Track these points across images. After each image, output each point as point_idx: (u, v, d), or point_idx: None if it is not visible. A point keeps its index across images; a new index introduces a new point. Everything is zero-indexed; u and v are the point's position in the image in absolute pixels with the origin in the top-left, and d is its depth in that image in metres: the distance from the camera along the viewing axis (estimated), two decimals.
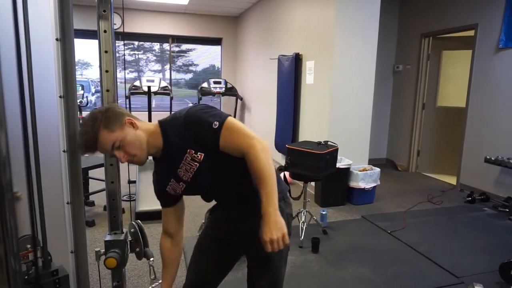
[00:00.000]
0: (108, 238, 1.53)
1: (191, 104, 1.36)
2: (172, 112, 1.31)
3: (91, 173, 3.81)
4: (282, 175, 4.65)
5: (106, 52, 1.42)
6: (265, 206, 1.16)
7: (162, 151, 1.36)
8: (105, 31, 1.40)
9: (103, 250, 1.52)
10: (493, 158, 4.13)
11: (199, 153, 1.30)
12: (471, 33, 4.69)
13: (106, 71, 1.44)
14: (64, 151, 1.42)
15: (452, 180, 5.09)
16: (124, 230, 1.61)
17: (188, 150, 1.30)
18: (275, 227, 1.16)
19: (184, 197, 1.55)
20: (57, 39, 1.32)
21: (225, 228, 1.52)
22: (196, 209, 3.85)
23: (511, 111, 4.17)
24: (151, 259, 1.53)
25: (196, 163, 1.31)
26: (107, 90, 1.46)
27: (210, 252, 1.56)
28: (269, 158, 1.23)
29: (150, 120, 6.28)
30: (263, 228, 1.15)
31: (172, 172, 1.39)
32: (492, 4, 4.35)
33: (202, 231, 1.63)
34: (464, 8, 4.74)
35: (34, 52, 1.23)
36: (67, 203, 1.47)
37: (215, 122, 1.24)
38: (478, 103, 4.60)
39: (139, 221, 1.51)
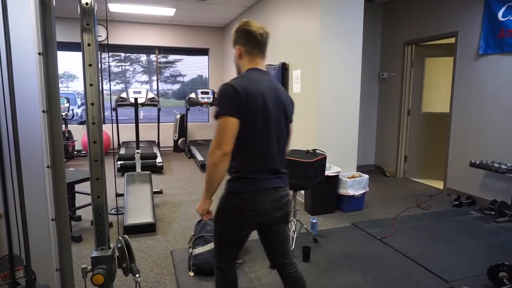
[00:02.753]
0: (94, 254, 1.49)
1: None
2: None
3: (77, 187, 3.74)
4: None
5: (90, 65, 1.41)
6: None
7: None
8: (89, 45, 1.39)
9: (90, 267, 1.49)
10: (477, 162, 4.21)
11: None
12: (452, 40, 4.82)
13: (91, 85, 1.43)
14: (48, 167, 1.39)
15: (439, 184, 5.16)
16: (112, 245, 1.57)
17: None
18: (198, 207, 1.73)
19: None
20: (39, 53, 1.30)
21: None
22: (185, 222, 3.81)
23: (493, 115, 4.28)
24: (137, 275, 1.50)
25: None
26: (92, 104, 1.45)
27: None
28: (210, 162, 1.58)
29: (137, 133, 6.23)
30: None
31: None
32: (471, 12, 4.48)
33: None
34: (444, 17, 4.87)
35: (16, 67, 1.21)
36: (52, 219, 1.44)
37: (216, 112, 1.58)
38: (462, 109, 4.70)
39: (126, 236, 1.48)
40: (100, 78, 1.49)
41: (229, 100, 1.55)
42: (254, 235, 3.43)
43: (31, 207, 1.32)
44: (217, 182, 1.60)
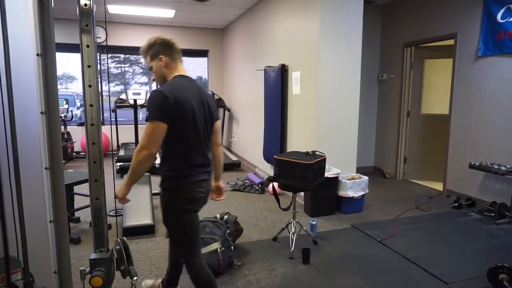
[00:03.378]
0: (93, 256, 1.49)
1: None
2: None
3: (76, 188, 3.73)
4: (270, 186, 4.64)
5: (89, 66, 1.40)
6: None
7: None
8: (88, 46, 1.39)
9: (88, 269, 1.48)
10: (477, 164, 4.21)
11: None
12: (451, 42, 4.82)
13: (89, 86, 1.42)
14: (46, 168, 1.38)
15: (438, 186, 5.16)
16: (110, 247, 1.57)
17: None
18: (118, 191, 1.87)
19: None
20: (38, 54, 1.30)
21: None
22: None
23: (492, 117, 4.28)
24: (135, 278, 1.49)
25: None
26: (91, 105, 1.44)
27: None
28: (136, 160, 1.74)
29: (136, 134, 6.23)
30: None
31: None
32: (470, 14, 4.48)
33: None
34: (443, 18, 4.88)
35: (14, 68, 1.21)
36: (50, 221, 1.43)
37: (146, 116, 1.74)
38: (461, 110, 4.70)
39: (124, 238, 1.48)
40: (99, 79, 1.48)
41: (159, 106, 1.72)
42: (253, 236, 3.42)
43: (30, 209, 1.32)
44: (139, 176, 1.81)
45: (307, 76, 4.45)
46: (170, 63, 1.92)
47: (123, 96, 6.48)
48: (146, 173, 4.43)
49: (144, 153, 1.72)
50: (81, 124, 7.60)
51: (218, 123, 2.09)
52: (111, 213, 3.98)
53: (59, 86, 8.02)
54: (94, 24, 1.39)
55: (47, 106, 1.34)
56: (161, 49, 1.92)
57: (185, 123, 1.80)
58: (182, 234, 1.95)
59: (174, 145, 1.84)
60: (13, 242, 1.26)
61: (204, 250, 2.73)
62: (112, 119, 6.81)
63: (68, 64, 7.69)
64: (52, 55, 1.32)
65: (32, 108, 1.32)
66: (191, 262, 1.96)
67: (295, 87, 4.75)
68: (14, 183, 1.22)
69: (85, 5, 1.36)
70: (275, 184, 3.65)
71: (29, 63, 1.29)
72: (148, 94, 6.53)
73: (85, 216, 3.89)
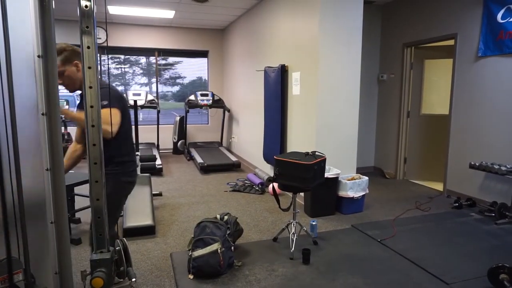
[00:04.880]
0: (94, 257, 1.49)
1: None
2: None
3: (77, 189, 3.73)
4: (270, 186, 4.64)
5: (89, 68, 1.41)
6: None
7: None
8: (88, 47, 1.39)
9: (89, 270, 1.48)
10: (477, 164, 4.21)
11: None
12: (451, 42, 4.83)
13: (90, 87, 1.43)
14: (47, 170, 1.39)
15: (439, 186, 5.16)
16: (111, 248, 1.57)
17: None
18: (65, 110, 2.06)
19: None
20: (39, 56, 1.30)
21: None
22: (185, 224, 3.80)
23: (493, 117, 4.28)
24: (133, 279, 1.49)
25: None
26: (91, 106, 1.44)
27: None
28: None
29: (137, 134, 6.24)
30: None
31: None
32: (470, 15, 4.49)
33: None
34: (443, 18, 4.88)
35: (15, 70, 1.21)
36: (51, 222, 1.43)
37: (105, 103, 2.01)
38: (461, 110, 4.70)
39: (124, 239, 1.48)
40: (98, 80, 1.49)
41: (121, 99, 2.19)
42: (253, 236, 3.42)
43: (31, 210, 1.32)
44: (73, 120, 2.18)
45: (307, 76, 4.46)
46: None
47: None
48: (146, 174, 4.43)
49: (109, 132, 2.01)
50: None
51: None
52: None
53: (59, 87, 8.02)
54: (94, 25, 1.39)
55: (48, 107, 1.34)
56: (73, 55, 2.09)
57: (128, 117, 2.27)
58: (115, 213, 2.28)
59: (123, 136, 2.24)
60: (15, 243, 1.26)
61: (204, 250, 2.73)
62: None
63: None
64: (53, 56, 1.32)
65: (33, 110, 1.32)
66: (117, 236, 2.23)
67: (295, 87, 4.76)
68: (15, 184, 1.22)
69: (86, 6, 1.36)
70: (275, 185, 3.66)
71: (30, 64, 1.29)
72: (148, 95, 6.55)
73: (86, 217, 3.90)
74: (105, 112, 1.99)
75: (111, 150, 2.10)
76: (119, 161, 2.19)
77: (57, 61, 1.98)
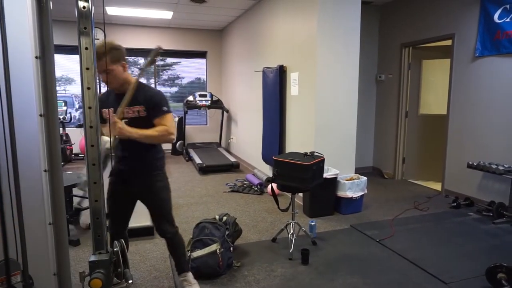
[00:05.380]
0: (92, 258, 1.49)
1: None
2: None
3: (76, 190, 3.72)
4: (269, 187, 4.64)
5: (87, 69, 1.41)
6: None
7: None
8: (86, 48, 1.39)
9: (87, 271, 1.48)
10: (475, 164, 4.22)
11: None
12: (448, 42, 4.84)
13: (88, 88, 1.42)
14: (45, 171, 1.39)
15: (437, 186, 5.17)
16: (109, 249, 1.57)
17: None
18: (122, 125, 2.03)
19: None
20: (36, 57, 1.30)
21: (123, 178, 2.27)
22: (184, 225, 3.80)
23: (490, 117, 4.29)
24: (130, 281, 1.49)
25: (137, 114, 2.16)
26: (89, 107, 1.44)
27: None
28: (160, 134, 2.13)
29: None
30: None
31: (116, 106, 2.10)
32: (468, 15, 4.50)
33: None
34: (441, 19, 4.90)
35: (13, 71, 1.21)
36: (49, 224, 1.43)
37: (164, 109, 2.15)
38: (459, 110, 4.71)
39: (122, 240, 1.48)
40: (98, 81, 1.49)
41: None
42: (252, 237, 3.41)
43: (29, 211, 1.32)
44: (147, 142, 2.16)
45: (305, 77, 4.46)
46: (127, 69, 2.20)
47: None
48: None
49: (171, 137, 2.13)
50: (79, 126, 7.59)
51: None
52: None
53: (57, 88, 8.03)
54: (92, 26, 1.39)
55: (46, 108, 1.34)
56: (122, 55, 2.14)
57: None
58: (170, 206, 2.35)
59: None
60: (13, 244, 1.26)
61: (203, 251, 2.73)
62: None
63: (66, 66, 7.68)
64: (51, 57, 1.32)
65: (31, 111, 1.32)
66: (177, 229, 2.39)
67: (293, 88, 4.76)
68: (13, 185, 1.22)
69: (84, 7, 1.36)
70: (274, 185, 3.66)
71: (27, 65, 1.29)
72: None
73: (85, 217, 3.88)
74: (169, 118, 2.14)
75: (153, 151, 2.23)
76: (160, 157, 2.29)
77: (106, 58, 1.99)
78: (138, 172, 2.23)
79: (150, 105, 2.12)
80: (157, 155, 2.25)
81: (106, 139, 2.00)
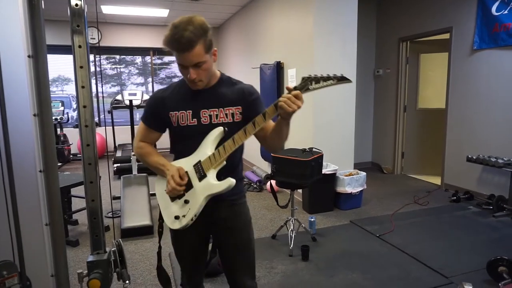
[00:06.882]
0: (90, 258, 1.48)
1: None
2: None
3: (74, 191, 3.71)
4: (268, 184, 4.63)
5: (81, 67, 1.39)
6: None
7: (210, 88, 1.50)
8: (79, 46, 1.37)
9: (86, 272, 1.47)
10: (474, 157, 4.21)
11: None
12: (446, 36, 4.82)
13: (82, 87, 1.41)
14: (40, 171, 1.37)
15: (436, 180, 5.17)
16: (108, 249, 1.56)
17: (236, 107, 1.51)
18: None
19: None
20: (29, 56, 1.28)
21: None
22: None
23: (489, 110, 4.28)
24: (127, 281, 1.48)
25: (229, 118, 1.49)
26: (84, 106, 1.43)
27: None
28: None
29: (132, 134, 6.20)
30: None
31: (198, 107, 1.46)
32: (465, 8, 4.48)
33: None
34: (438, 12, 4.87)
35: (5, 70, 1.19)
36: (46, 224, 1.42)
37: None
38: (457, 104, 4.70)
39: (120, 240, 1.47)
40: (95, 80, 1.47)
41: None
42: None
43: (25, 212, 1.30)
44: None
45: (302, 73, 4.44)
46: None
47: (119, 97, 6.44)
48: (143, 174, 4.41)
49: None
50: (77, 126, 7.56)
51: None
52: (109, 215, 3.97)
53: (54, 88, 8.00)
54: (85, 24, 1.37)
55: (39, 108, 1.32)
56: (212, 40, 1.49)
57: None
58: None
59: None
60: (9, 246, 1.24)
61: None
62: (108, 120, 6.78)
63: (63, 66, 7.64)
64: (44, 56, 1.30)
65: (25, 111, 1.30)
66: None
67: (291, 84, 4.74)
68: (8, 186, 1.20)
69: (76, 5, 1.34)
70: (273, 182, 3.65)
71: (20, 64, 1.27)
72: (144, 95, 6.50)
73: (83, 218, 3.87)
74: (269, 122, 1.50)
75: (238, 168, 1.59)
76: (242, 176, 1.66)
77: (196, 45, 1.37)
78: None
79: (252, 105, 1.53)
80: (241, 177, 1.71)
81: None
